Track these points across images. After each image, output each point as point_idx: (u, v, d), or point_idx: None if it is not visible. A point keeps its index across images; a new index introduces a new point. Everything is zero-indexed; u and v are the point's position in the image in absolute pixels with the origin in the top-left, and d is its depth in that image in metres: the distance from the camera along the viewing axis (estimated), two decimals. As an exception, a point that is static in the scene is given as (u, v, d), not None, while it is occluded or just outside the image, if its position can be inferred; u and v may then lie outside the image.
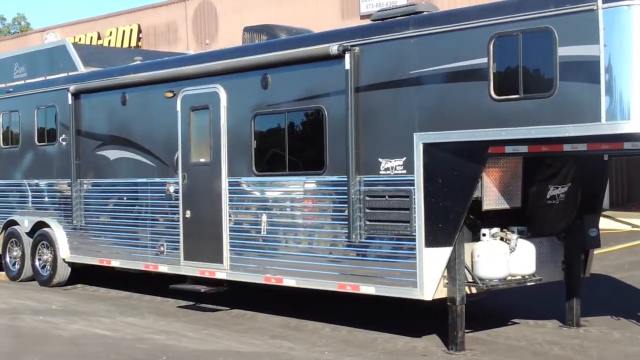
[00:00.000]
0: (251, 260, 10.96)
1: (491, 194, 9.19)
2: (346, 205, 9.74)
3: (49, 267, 14.36)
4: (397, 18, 9.66)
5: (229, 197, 11.24)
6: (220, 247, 11.29)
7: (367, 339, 9.79)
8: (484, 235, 9.27)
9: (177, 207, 11.93)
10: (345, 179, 9.73)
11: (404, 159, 9.23)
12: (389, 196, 9.38)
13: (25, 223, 14.80)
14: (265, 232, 10.81)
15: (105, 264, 13.26)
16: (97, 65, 14.36)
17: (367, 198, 9.59)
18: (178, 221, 11.91)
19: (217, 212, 11.33)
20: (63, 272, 14.16)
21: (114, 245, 13.12)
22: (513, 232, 9.45)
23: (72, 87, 13.72)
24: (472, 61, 8.67)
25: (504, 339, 9.69)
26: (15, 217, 15.10)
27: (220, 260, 11.30)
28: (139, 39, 32.46)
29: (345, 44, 9.74)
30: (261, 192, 10.98)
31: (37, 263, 14.58)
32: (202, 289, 11.64)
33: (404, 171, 9.24)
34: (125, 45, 32.16)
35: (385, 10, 10.13)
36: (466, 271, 9.13)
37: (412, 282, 9.11)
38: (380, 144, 9.49)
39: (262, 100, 10.86)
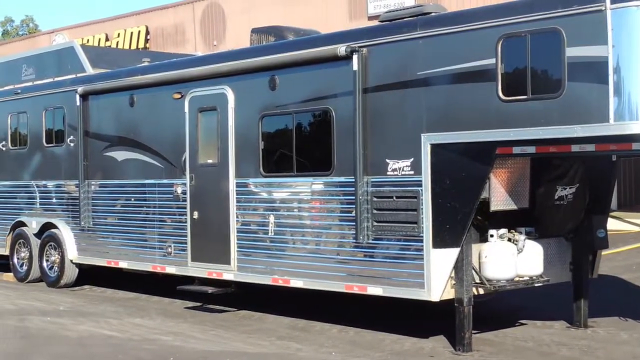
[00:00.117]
0: (259, 261, 10.95)
1: (499, 195, 9.17)
2: (354, 206, 9.73)
3: (56, 268, 14.38)
4: (405, 19, 9.65)
5: (237, 198, 11.24)
6: (227, 248, 11.29)
7: (374, 340, 9.79)
8: (491, 236, 9.26)
9: (185, 208, 11.93)
10: (353, 180, 9.73)
11: (412, 159, 9.22)
12: (397, 197, 9.37)
13: (33, 224, 14.82)
14: (272, 233, 10.81)
15: (113, 265, 13.26)
16: (105, 66, 14.37)
17: (375, 199, 9.58)
18: (186, 222, 11.91)
19: (225, 213, 11.33)
20: (71, 273, 14.18)
21: (122, 247, 13.13)
22: (521, 233, 9.43)
23: (80, 89, 13.74)
24: (480, 62, 8.66)
25: (512, 340, 9.67)
26: (23, 218, 15.13)
27: (228, 262, 11.30)
28: (146, 40, 32.48)
29: (353, 45, 9.74)
30: (269, 193, 10.97)
31: (44, 264, 14.60)
32: (210, 290, 11.64)
33: (412, 172, 9.23)
34: (133, 46, 32.17)
35: (393, 11, 10.12)
36: (474, 272, 9.13)
37: (419, 283, 9.10)
38: (388, 145, 9.49)
39: (269, 101, 10.87)
